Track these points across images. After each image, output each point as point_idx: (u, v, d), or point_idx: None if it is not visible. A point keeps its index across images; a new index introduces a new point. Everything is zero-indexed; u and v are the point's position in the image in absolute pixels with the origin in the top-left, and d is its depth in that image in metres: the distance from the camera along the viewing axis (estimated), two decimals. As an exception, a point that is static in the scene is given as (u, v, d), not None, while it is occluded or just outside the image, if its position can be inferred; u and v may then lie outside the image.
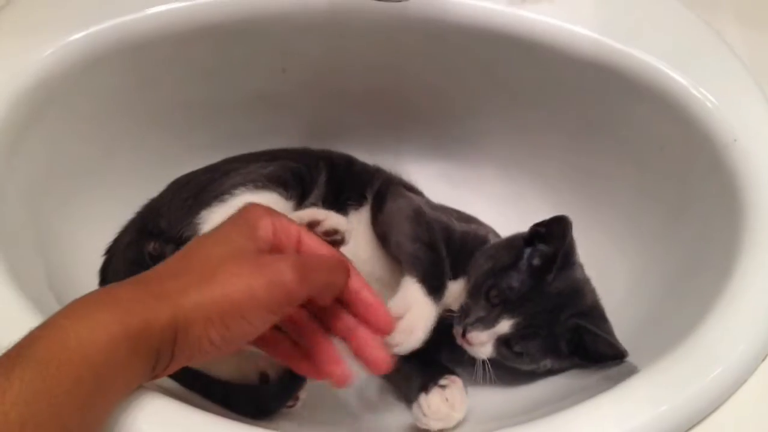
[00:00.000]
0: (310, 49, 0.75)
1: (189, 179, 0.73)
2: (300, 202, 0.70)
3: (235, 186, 0.67)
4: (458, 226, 0.72)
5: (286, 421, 0.62)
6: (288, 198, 0.68)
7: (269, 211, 0.48)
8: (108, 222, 0.71)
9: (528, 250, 0.66)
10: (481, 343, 0.64)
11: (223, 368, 0.61)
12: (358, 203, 0.75)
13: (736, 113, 0.64)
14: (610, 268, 0.70)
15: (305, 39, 0.74)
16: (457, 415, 0.61)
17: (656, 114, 0.68)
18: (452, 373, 0.65)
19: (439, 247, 0.66)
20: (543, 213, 0.78)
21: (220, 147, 0.77)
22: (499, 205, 0.83)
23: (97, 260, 0.70)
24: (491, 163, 0.82)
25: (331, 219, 0.62)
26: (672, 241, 0.69)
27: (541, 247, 0.66)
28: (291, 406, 0.63)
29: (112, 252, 0.71)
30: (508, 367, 0.66)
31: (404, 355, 0.58)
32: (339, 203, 0.74)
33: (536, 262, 0.66)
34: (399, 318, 0.58)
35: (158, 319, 0.41)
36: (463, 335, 0.64)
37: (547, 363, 0.65)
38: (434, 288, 0.62)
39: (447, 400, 0.61)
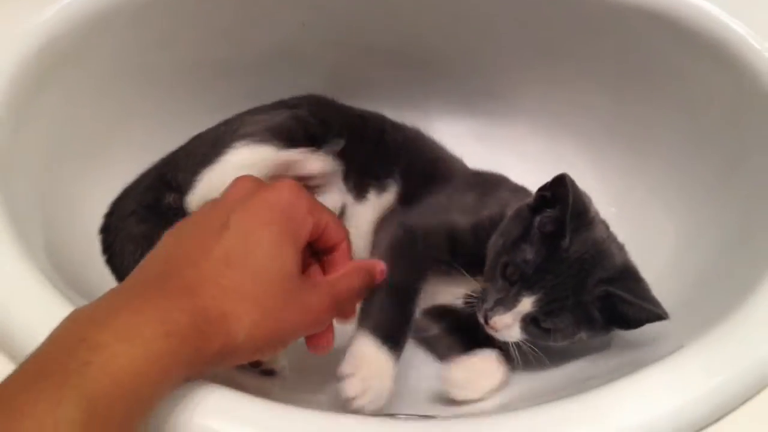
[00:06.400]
0: (331, 0, 0.71)
1: (208, 132, 0.71)
2: (313, 143, 0.66)
3: (238, 138, 0.65)
4: (465, 222, 0.66)
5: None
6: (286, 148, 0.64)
7: (311, 205, 0.50)
8: (125, 182, 0.70)
9: (537, 218, 0.61)
10: (507, 326, 0.60)
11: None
12: (380, 186, 0.72)
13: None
14: (657, 228, 0.65)
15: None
16: (484, 383, 0.59)
17: (703, 61, 0.63)
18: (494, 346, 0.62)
19: (411, 288, 0.62)
20: (582, 170, 0.75)
21: (238, 106, 0.74)
22: (535, 162, 0.78)
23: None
24: (525, 119, 0.78)
25: (310, 162, 0.57)
26: (725, 198, 0.64)
27: (549, 212, 0.60)
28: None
29: (113, 216, 0.69)
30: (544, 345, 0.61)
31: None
32: (360, 181, 0.71)
33: (548, 228, 0.60)
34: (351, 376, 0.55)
35: (210, 348, 0.41)
36: (486, 322, 0.60)
37: (582, 335, 0.60)
38: (388, 338, 0.57)
39: (470, 369, 0.59)
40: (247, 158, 0.63)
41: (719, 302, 0.54)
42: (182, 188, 0.67)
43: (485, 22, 0.71)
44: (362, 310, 0.59)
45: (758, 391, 0.48)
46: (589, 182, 0.73)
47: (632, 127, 0.73)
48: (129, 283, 0.44)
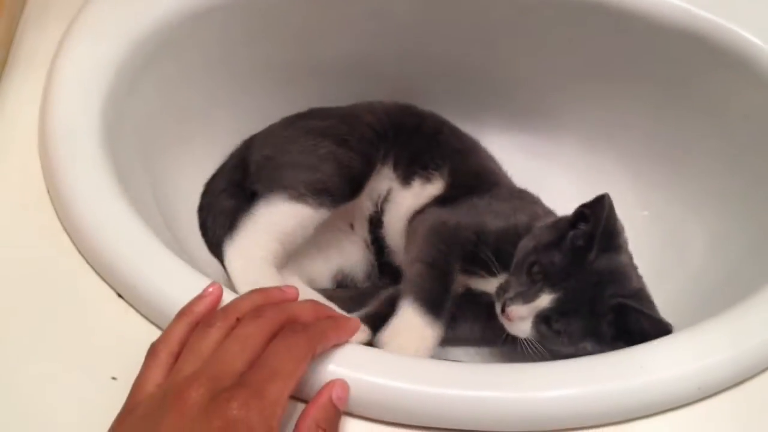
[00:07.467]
0: (402, 15, 0.78)
1: (267, 140, 0.78)
2: (353, 194, 0.73)
3: (276, 191, 0.69)
4: (495, 225, 0.71)
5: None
6: (321, 206, 0.69)
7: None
8: (208, 164, 0.77)
9: (572, 232, 0.65)
10: (521, 318, 0.63)
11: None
12: (426, 177, 0.78)
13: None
14: (689, 236, 0.71)
15: (398, 4, 0.77)
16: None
17: (738, 81, 0.69)
18: None
19: (447, 266, 0.66)
20: (621, 182, 0.81)
21: (306, 105, 0.81)
22: (578, 175, 0.85)
23: (196, 198, 0.76)
24: (570, 135, 0.84)
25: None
26: (752, 207, 0.70)
27: (583, 226, 0.65)
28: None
29: (207, 195, 0.76)
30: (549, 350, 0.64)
31: None
32: (408, 168, 0.78)
33: (579, 242, 0.64)
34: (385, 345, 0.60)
35: None
36: (503, 311, 0.64)
37: (587, 345, 0.62)
38: (431, 306, 0.62)
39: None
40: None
41: (744, 291, 0.59)
42: (252, 175, 0.74)
43: (544, 44, 0.78)
44: (405, 282, 0.66)
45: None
46: (627, 192, 0.80)
47: (670, 146, 0.79)
48: None
